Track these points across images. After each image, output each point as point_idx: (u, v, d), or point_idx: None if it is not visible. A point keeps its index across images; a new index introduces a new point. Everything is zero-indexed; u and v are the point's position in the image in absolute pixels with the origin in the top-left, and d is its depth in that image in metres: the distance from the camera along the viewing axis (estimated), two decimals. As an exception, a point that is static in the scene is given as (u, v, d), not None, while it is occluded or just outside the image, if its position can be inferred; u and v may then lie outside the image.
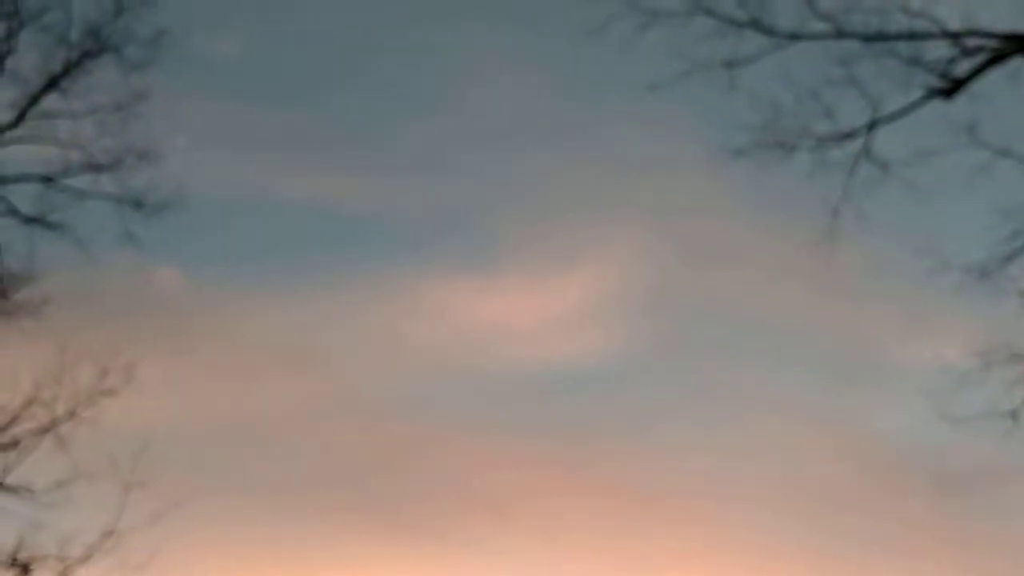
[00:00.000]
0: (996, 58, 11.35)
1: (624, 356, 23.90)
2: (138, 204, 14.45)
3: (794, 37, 11.60)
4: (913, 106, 11.56)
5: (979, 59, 11.35)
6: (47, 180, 14.21)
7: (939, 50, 11.47)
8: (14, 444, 13.25)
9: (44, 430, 13.30)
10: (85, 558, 12.68)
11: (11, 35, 13.83)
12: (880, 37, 11.55)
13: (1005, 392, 11.47)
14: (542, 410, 23.36)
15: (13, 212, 14.14)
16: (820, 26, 11.53)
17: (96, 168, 14.27)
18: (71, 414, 13.38)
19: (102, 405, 13.53)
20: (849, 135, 11.73)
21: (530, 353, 23.97)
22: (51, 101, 14.07)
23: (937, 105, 11.57)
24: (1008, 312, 11.64)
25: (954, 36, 11.40)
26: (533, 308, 23.91)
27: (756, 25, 11.54)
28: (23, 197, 14.20)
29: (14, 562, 12.67)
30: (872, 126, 11.67)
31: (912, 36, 11.49)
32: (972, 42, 11.36)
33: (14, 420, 13.28)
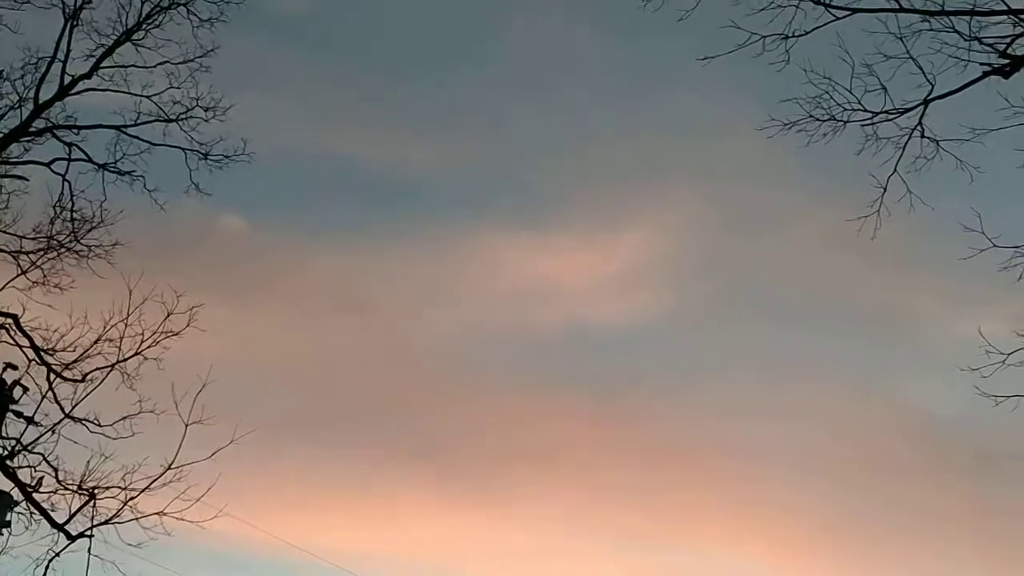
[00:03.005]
0: (1059, 36, 10.72)
1: (670, 317, 23.58)
2: (204, 155, 14.52)
3: (852, 11, 11.07)
4: (970, 84, 11.00)
5: (1041, 37, 10.72)
6: (119, 129, 14.30)
7: (1000, 28, 10.86)
8: (83, 378, 13.51)
9: (111, 366, 13.52)
10: (147, 487, 12.92)
11: (87, -13, 13.85)
12: (940, 12, 10.93)
13: (1048, 375, 10.98)
14: (588, 366, 23.24)
15: (87, 159, 14.30)
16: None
17: (165, 119, 14.34)
18: (137, 352, 13.58)
19: (166, 345, 13.73)
20: (902, 111, 11.21)
21: (579, 311, 23.76)
22: (124, 53, 14.10)
23: (994, 82, 11.02)
24: (1055, 290, 11.12)
25: (1017, 13, 10.78)
26: (583, 267, 23.67)
27: (814, -5, 11.00)
28: (96, 145, 14.32)
29: (81, 488, 12.96)
30: (926, 102, 11.14)
31: (973, 12, 10.87)
32: (1035, 19, 10.72)
33: (83, 356, 13.50)
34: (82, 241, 14.10)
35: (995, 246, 11.20)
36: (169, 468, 12.80)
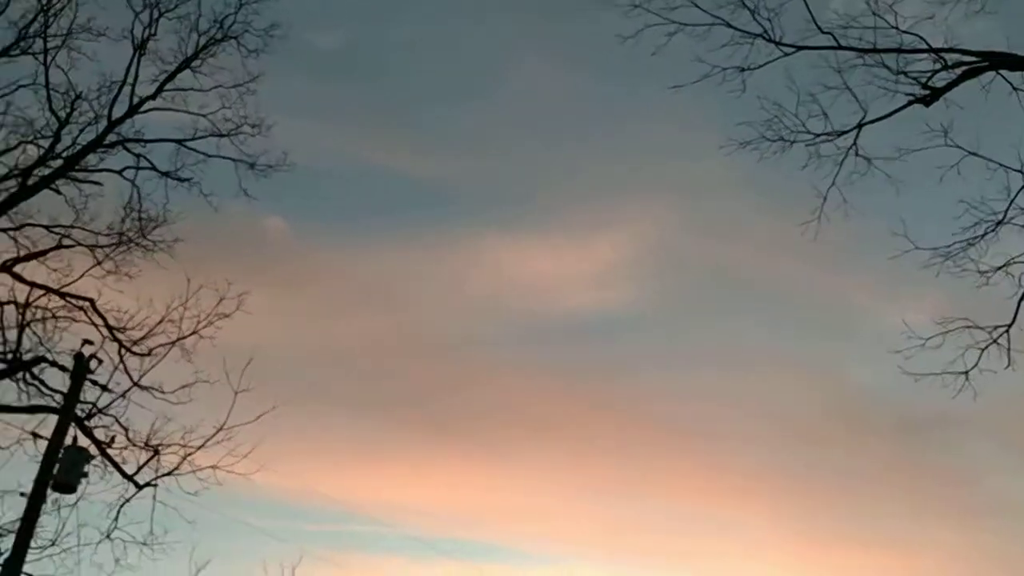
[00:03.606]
0: (972, 72, 11.50)
1: (643, 308, 24.54)
2: (251, 165, 15.38)
3: (798, 48, 11.82)
4: (897, 111, 11.76)
5: (957, 72, 11.49)
6: (179, 142, 15.22)
7: (923, 63, 11.65)
8: (148, 353, 14.38)
9: (173, 343, 14.39)
10: (202, 446, 13.75)
11: (152, 23, 14.75)
12: (873, 50, 11.72)
13: (960, 356, 11.78)
14: (574, 352, 24.17)
15: (152, 167, 15.18)
16: (821, 39, 11.75)
17: (218, 134, 15.19)
18: (194, 331, 14.45)
19: (218, 325, 14.57)
20: (840, 133, 12.02)
21: (567, 302, 24.69)
22: (184, 78, 15.01)
23: (917, 109, 11.75)
24: (967, 288, 11.93)
25: (937, 52, 11.54)
26: (570, 267, 24.63)
27: (766, 36, 11.79)
28: (160, 156, 15.32)
29: (147, 445, 13.84)
30: (860, 126, 11.92)
31: (900, 50, 11.65)
32: (952, 57, 11.54)
33: (149, 334, 14.44)
34: (148, 237, 15.14)
35: (917, 248, 12.05)
36: (221, 429, 13.70)
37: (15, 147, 14.38)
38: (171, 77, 14.93)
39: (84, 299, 14.30)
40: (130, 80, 14.66)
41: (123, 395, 13.88)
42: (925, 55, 11.62)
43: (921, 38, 11.42)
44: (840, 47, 11.80)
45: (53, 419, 13.11)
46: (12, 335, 13.74)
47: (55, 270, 14.35)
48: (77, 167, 14.66)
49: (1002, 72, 11.39)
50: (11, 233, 14.28)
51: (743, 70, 11.99)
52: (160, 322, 14.33)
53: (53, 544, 13.28)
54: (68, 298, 14.36)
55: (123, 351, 14.22)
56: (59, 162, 14.57)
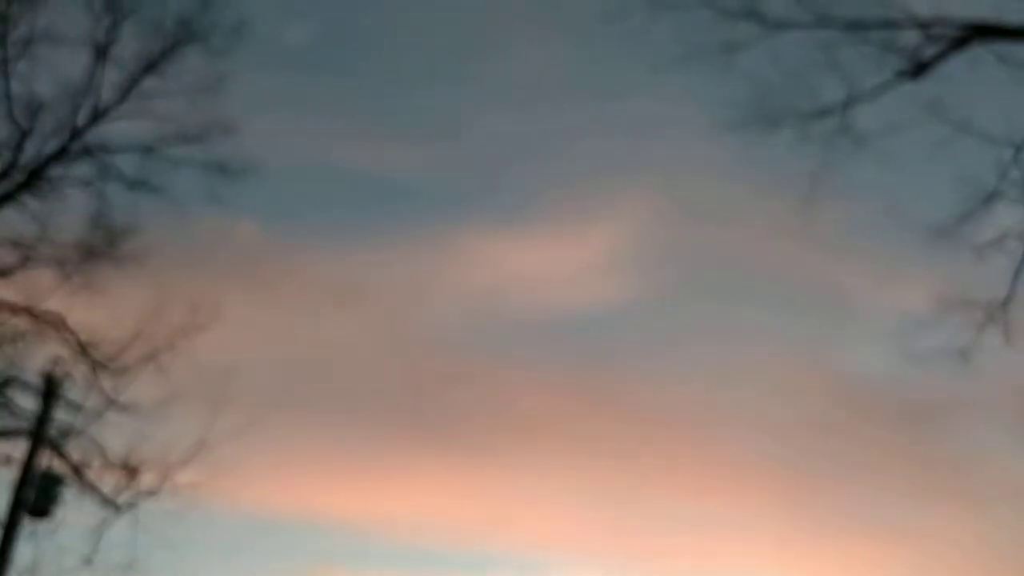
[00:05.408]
0: (959, 43, 11.23)
1: (635, 302, 24.10)
2: (222, 169, 14.77)
3: (782, 26, 11.51)
4: (885, 86, 11.50)
5: (944, 45, 11.22)
6: (147, 150, 14.58)
7: (909, 37, 11.39)
8: (123, 370, 13.78)
9: (147, 359, 13.82)
10: (182, 463, 13.22)
11: (115, 27, 14.12)
12: (858, 25, 11.44)
13: (957, 333, 11.50)
14: (565, 347, 23.71)
15: (119, 177, 14.56)
16: (806, 16, 11.44)
17: (187, 139, 14.60)
18: (169, 345, 13.90)
19: (194, 338, 14.02)
20: (828, 112, 11.69)
21: (554, 298, 24.24)
22: (149, 83, 14.42)
23: (906, 85, 11.48)
24: (963, 264, 11.67)
25: (922, 24, 11.28)
26: (557, 259, 24.15)
27: (750, 15, 11.47)
28: (128, 164, 14.63)
29: (125, 466, 13.26)
30: (848, 104, 11.62)
31: (886, 24, 11.38)
32: (938, 29, 11.26)
33: (123, 350, 13.82)
34: (117, 249, 14.31)
35: (911, 228, 11.72)
36: (201, 446, 13.13)
37: (-25, 161, 13.80)
38: (136, 82, 14.32)
39: (54, 315, 13.80)
40: (94, 87, 14.11)
41: (98, 414, 13.42)
42: (911, 28, 11.39)
43: (908, 11, 11.17)
44: (826, 23, 11.53)
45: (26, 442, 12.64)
46: (-20, 357, 13.21)
47: (23, 287, 13.88)
48: (41, 179, 14.09)
49: (989, 43, 11.15)
50: (-26, 252, 13.72)
51: (727, 51, 11.75)
52: (133, 338, 13.85)
53: (31, 572, 12.77)
54: (37, 315, 13.81)
55: (97, 368, 13.73)
56: (23, 175, 14.01)
